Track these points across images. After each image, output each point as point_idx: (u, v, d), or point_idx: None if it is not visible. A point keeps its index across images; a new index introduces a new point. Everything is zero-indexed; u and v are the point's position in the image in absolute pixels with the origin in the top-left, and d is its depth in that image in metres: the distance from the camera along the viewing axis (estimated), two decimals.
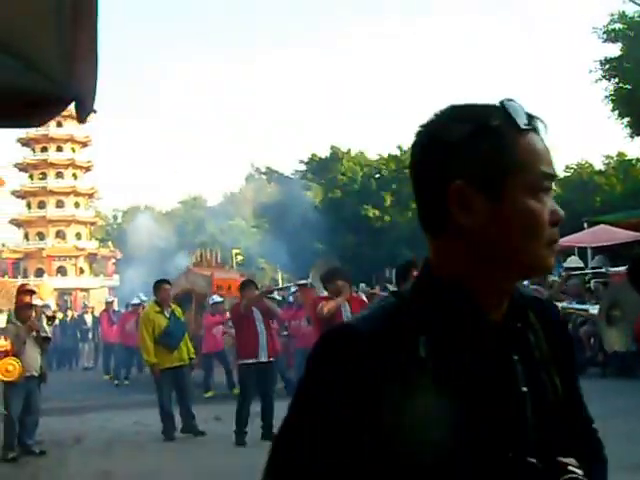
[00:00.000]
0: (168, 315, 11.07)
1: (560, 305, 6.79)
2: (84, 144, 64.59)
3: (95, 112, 4.54)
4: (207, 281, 16.10)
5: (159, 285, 11.26)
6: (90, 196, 66.00)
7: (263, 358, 10.26)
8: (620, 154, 37.43)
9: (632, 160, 35.77)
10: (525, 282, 13.91)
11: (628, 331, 4.73)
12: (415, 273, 5.52)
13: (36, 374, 10.08)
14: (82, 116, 3.28)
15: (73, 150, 63.50)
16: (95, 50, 3.01)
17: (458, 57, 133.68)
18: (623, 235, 18.74)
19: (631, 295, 4.63)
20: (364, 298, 9.05)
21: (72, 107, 3.44)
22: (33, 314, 10.21)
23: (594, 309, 5.24)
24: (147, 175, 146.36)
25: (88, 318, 27.38)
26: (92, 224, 67.41)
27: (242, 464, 8.99)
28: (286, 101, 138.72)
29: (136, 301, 18.97)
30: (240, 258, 37.56)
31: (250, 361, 10.23)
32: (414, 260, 6.55)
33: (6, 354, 9.97)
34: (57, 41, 2.88)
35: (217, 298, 16.47)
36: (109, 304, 24.66)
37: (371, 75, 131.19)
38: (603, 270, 10.60)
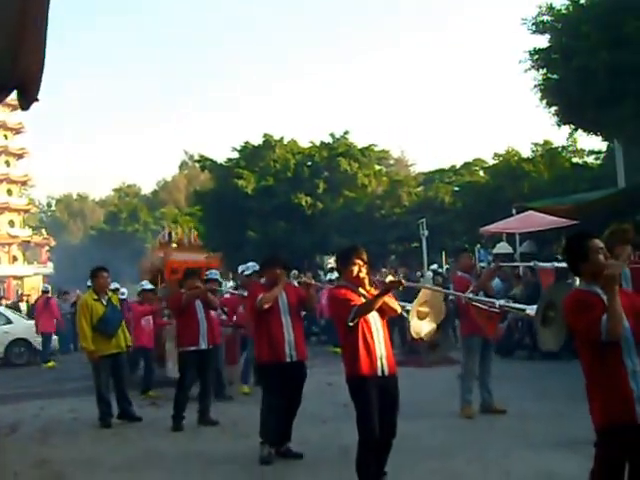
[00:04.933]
0: (105, 302, 11.11)
1: (497, 303, 6.89)
2: (17, 131, 63.61)
3: (38, 101, 4.65)
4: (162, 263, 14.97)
5: (96, 273, 11.29)
6: (23, 183, 65.10)
7: (203, 346, 10.47)
8: (546, 142, 38.13)
9: (558, 148, 36.46)
10: (450, 270, 14.24)
11: (561, 332, 4.99)
12: (357, 260, 5.64)
13: None
14: (25, 104, 3.40)
15: (5, 137, 62.53)
16: (43, 43, 3.13)
17: (388, 45, 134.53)
18: (550, 221, 19.12)
19: (566, 296, 4.89)
20: (295, 284, 9.15)
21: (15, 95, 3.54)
22: None
23: (531, 309, 5.44)
24: (82, 163, 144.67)
25: (23, 306, 27.01)
26: (25, 211, 66.53)
27: (179, 449, 9.12)
28: (220, 89, 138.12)
29: (148, 286, 14.95)
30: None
31: (191, 349, 10.42)
32: (357, 247, 6.67)
33: None
34: (3, 33, 2.99)
35: (147, 284, 14.82)
36: (45, 293, 24.03)
37: (303, 63, 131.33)
38: (531, 264, 10.89)
